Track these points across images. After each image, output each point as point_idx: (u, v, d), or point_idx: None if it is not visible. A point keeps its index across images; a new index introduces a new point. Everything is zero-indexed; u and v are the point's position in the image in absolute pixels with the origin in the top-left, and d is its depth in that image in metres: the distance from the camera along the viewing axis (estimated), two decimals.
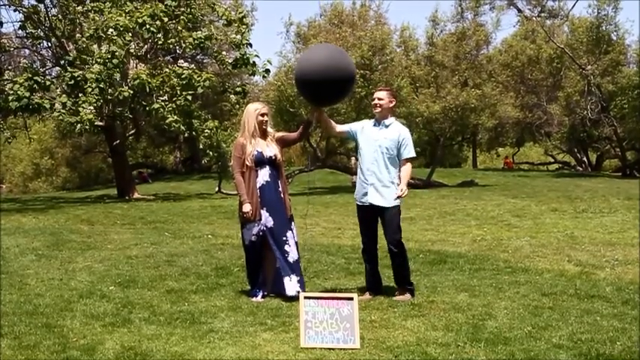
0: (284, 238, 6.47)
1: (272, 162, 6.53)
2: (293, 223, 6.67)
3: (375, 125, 6.51)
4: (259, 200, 6.49)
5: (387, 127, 6.44)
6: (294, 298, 6.20)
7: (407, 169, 6.44)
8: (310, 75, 6.14)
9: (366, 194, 6.43)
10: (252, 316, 5.84)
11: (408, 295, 6.40)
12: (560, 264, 8.28)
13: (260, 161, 6.49)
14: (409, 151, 6.44)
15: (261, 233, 6.50)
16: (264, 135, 6.59)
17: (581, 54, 30.01)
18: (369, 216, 6.51)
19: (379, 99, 6.45)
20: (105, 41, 18.56)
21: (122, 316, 5.87)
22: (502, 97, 31.29)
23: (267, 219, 6.48)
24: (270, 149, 6.55)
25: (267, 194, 6.50)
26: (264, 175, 6.51)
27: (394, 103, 6.57)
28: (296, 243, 6.60)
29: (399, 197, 6.33)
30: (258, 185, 6.51)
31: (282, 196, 6.57)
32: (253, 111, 6.58)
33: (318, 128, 23.15)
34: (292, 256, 6.49)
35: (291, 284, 6.43)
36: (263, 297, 6.49)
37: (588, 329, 5.36)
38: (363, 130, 6.56)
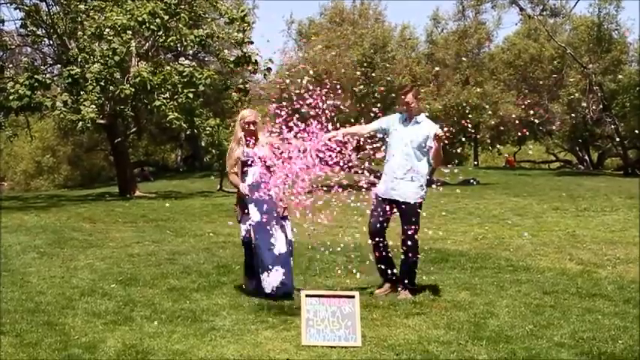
0: (270, 232, 6.53)
1: (262, 162, 6.63)
2: (287, 221, 6.71)
3: (405, 121, 6.60)
4: (248, 197, 6.61)
5: (418, 123, 6.54)
6: (273, 295, 6.36)
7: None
8: None
9: (394, 189, 6.48)
10: (253, 314, 5.85)
11: (409, 294, 6.40)
12: (562, 262, 8.28)
13: (249, 162, 6.66)
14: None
15: (249, 228, 6.63)
16: (256, 140, 6.71)
17: (583, 53, 29.96)
18: (390, 208, 6.51)
19: (408, 103, 6.54)
20: (103, 40, 18.58)
21: (124, 314, 5.88)
22: (504, 95, 31.26)
23: (254, 214, 6.59)
24: (261, 150, 6.67)
25: (257, 192, 6.56)
26: (254, 173, 6.64)
27: (420, 99, 6.71)
28: (289, 241, 6.65)
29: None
30: (248, 182, 6.65)
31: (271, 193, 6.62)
32: (239, 120, 6.81)
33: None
34: (278, 249, 6.54)
35: (268, 279, 6.46)
36: (256, 286, 6.63)
37: (590, 328, 5.36)
38: (394, 127, 6.65)
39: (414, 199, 6.45)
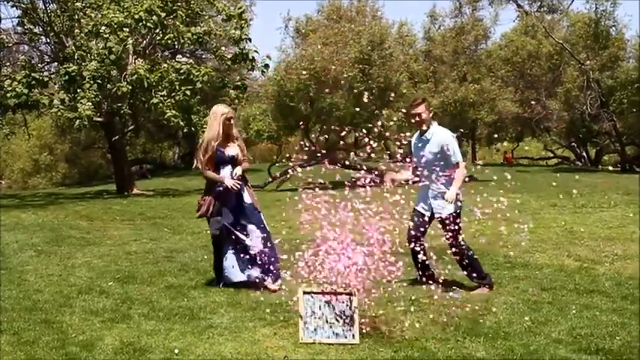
0: (245, 233, 6.76)
1: (233, 161, 6.80)
2: (261, 216, 6.91)
3: (419, 138, 6.73)
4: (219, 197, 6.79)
5: (428, 139, 6.60)
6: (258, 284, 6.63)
7: (457, 174, 6.55)
8: None
9: (425, 204, 6.64)
10: (251, 311, 5.85)
11: (485, 290, 6.52)
12: (560, 259, 8.28)
13: (221, 160, 6.78)
14: (454, 157, 6.54)
15: (221, 228, 6.81)
16: (228, 137, 6.83)
17: (580, 49, 29.95)
18: (424, 219, 6.65)
19: (419, 115, 6.58)
20: (99, 38, 18.55)
21: (121, 312, 5.88)
22: (501, 92, 31.25)
23: (226, 215, 6.78)
24: (232, 149, 6.82)
25: (227, 192, 6.76)
26: (225, 173, 6.78)
27: (430, 109, 6.75)
28: (263, 236, 6.80)
29: (450, 202, 6.47)
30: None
31: (241, 193, 6.82)
32: (220, 115, 6.81)
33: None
34: (255, 248, 6.75)
35: (251, 272, 6.74)
36: (224, 285, 6.78)
37: (587, 324, 5.37)
38: (413, 146, 6.81)
39: (445, 213, 6.53)
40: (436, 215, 6.58)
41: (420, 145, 6.69)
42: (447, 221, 6.50)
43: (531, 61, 32.15)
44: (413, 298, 6.19)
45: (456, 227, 6.51)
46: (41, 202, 19.07)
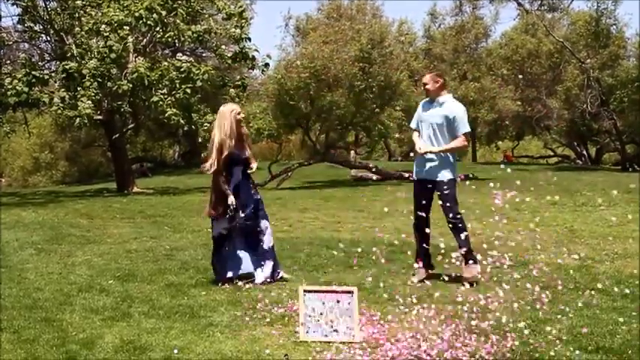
0: (258, 229, 6.96)
1: (245, 162, 6.97)
2: (266, 211, 7.16)
3: (429, 103, 6.97)
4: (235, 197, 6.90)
5: (440, 105, 6.86)
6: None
7: (456, 141, 6.80)
8: None
9: (423, 169, 6.84)
10: (251, 309, 5.85)
11: (474, 270, 6.65)
12: (560, 257, 8.26)
13: (237, 161, 6.90)
14: (462, 127, 6.79)
15: (231, 227, 6.90)
16: (240, 137, 6.94)
17: (581, 47, 29.93)
18: (424, 190, 6.83)
19: (424, 84, 6.91)
20: (100, 36, 18.55)
21: (121, 310, 5.88)
22: (501, 90, 31.22)
23: (242, 214, 6.88)
24: (245, 151, 6.99)
25: (242, 191, 6.94)
26: (238, 173, 6.93)
27: (440, 82, 6.91)
28: (270, 230, 7.08)
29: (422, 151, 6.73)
30: (234, 183, 6.92)
31: (252, 192, 7.03)
32: (230, 113, 6.89)
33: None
34: (267, 243, 6.99)
35: (262, 274, 6.90)
36: (224, 283, 6.83)
37: (588, 323, 5.36)
38: (419, 110, 7.06)
39: (444, 177, 6.77)
40: (430, 179, 6.79)
41: (425, 110, 6.94)
42: (446, 187, 6.70)
43: (531, 60, 32.11)
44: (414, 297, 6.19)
45: (452, 197, 6.72)
46: (41, 200, 19.07)
